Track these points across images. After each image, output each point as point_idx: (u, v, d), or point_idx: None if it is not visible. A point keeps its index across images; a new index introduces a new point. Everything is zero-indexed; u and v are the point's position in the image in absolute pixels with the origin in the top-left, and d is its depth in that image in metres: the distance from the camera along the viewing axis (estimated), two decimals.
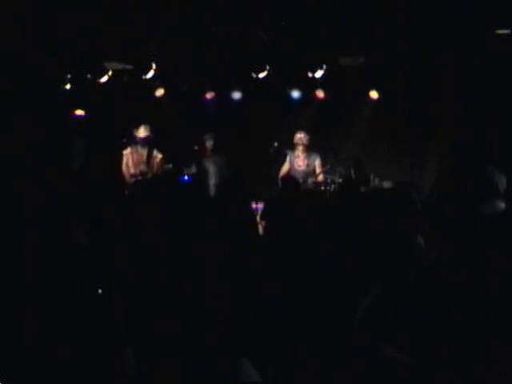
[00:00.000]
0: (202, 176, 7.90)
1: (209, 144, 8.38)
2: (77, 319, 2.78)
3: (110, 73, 9.17)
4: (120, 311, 2.83)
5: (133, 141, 7.83)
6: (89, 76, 9.19)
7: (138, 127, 7.80)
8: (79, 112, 9.57)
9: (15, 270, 2.95)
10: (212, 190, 7.30)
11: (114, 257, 3.09)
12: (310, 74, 8.74)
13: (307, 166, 7.98)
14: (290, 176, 7.47)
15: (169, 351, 2.66)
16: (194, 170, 8.21)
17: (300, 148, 7.95)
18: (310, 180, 7.94)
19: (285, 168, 8.12)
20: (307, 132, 8.03)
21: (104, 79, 9.19)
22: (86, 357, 2.67)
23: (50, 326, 2.75)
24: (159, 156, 7.83)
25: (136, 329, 2.76)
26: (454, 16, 7.11)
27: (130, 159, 7.82)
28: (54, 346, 2.70)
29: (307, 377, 2.74)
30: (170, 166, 7.82)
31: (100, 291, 2.88)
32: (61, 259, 3.01)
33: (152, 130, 7.85)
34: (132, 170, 7.77)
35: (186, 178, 8.11)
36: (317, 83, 8.89)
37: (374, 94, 8.85)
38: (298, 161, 8.02)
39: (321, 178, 7.94)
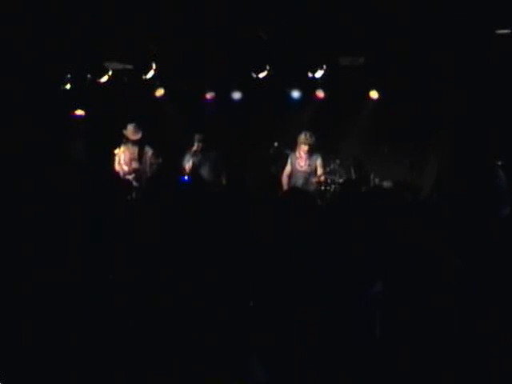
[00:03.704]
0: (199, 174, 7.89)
1: (197, 145, 8.32)
2: (77, 320, 2.78)
3: (110, 73, 9.17)
4: (121, 311, 2.83)
5: (124, 139, 7.85)
6: (89, 76, 9.20)
7: (126, 127, 7.81)
8: (79, 112, 9.57)
9: (16, 271, 2.95)
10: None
11: (115, 256, 3.09)
12: (310, 74, 8.74)
13: (309, 166, 7.97)
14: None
15: (173, 350, 2.66)
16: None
17: (305, 148, 7.91)
18: (311, 180, 7.94)
19: (287, 170, 8.11)
20: (313, 133, 7.99)
21: (104, 79, 9.19)
22: (86, 358, 2.67)
23: (51, 327, 2.75)
24: (150, 151, 7.83)
25: (137, 328, 2.76)
26: (454, 16, 7.11)
27: (122, 157, 7.84)
28: (53, 347, 2.70)
29: (310, 375, 2.74)
30: (160, 159, 7.82)
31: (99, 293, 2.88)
32: (61, 259, 3.00)
33: (141, 128, 7.85)
34: (125, 168, 7.79)
35: (185, 178, 8.11)
36: (317, 83, 8.89)
37: (374, 94, 8.86)
38: (300, 161, 8.01)
39: (323, 178, 7.93)
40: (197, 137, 8.34)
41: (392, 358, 2.79)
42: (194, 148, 8.28)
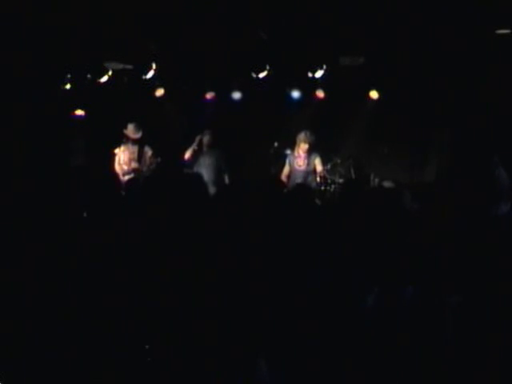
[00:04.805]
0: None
1: (206, 139, 8.32)
2: (78, 319, 2.78)
3: (110, 73, 9.17)
4: (122, 311, 2.83)
5: (124, 139, 7.87)
6: (89, 76, 9.20)
7: (126, 126, 7.83)
8: (79, 112, 9.57)
9: (16, 272, 2.95)
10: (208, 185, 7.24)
11: (115, 256, 3.09)
12: (310, 74, 8.73)
13: (307, 165, 7.97)
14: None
15: (178, 350, 2.66)
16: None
17: (305, 147, 7.89)
18: (310, 179, 7.93)
19: (285, 170, 8.09)
20: (312, 132, 7.97)
21: (104, 79, 9.19)
22: (88, 358, 2.67)
23: (51, 326, 2.75)
24: (150, 152, 7.87)
25: (138, 329, 2.76)
26: (454, 16, 7.11)
27: (122, 157, 7.88)
28: (53, 346, 2.70)
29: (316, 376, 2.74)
30: (159, 159, 7.83)
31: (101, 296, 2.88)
32: (62, 259, 3.00)
33: (141, 128, 7.87)
34: (125, 168, 7.83)
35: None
36: (317, 83, 8.89)
37: (374, 94, 8.84)
38: (299, 160, 8.00)
39: (323, 175, 7.92)
40: (206, 131, 8.32)
41: (394, 359, 2.80)
42: (200, 138, 8.23)
